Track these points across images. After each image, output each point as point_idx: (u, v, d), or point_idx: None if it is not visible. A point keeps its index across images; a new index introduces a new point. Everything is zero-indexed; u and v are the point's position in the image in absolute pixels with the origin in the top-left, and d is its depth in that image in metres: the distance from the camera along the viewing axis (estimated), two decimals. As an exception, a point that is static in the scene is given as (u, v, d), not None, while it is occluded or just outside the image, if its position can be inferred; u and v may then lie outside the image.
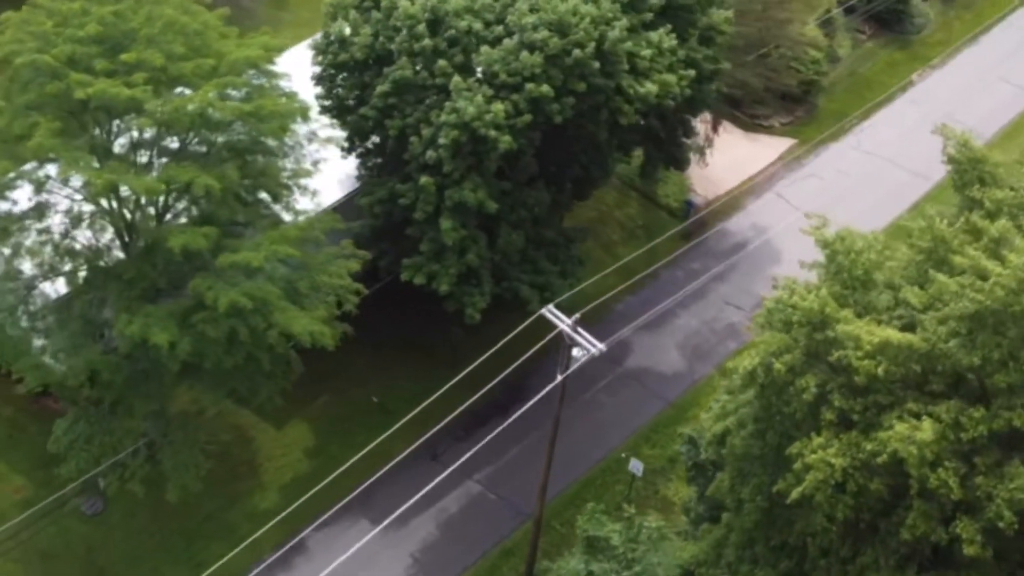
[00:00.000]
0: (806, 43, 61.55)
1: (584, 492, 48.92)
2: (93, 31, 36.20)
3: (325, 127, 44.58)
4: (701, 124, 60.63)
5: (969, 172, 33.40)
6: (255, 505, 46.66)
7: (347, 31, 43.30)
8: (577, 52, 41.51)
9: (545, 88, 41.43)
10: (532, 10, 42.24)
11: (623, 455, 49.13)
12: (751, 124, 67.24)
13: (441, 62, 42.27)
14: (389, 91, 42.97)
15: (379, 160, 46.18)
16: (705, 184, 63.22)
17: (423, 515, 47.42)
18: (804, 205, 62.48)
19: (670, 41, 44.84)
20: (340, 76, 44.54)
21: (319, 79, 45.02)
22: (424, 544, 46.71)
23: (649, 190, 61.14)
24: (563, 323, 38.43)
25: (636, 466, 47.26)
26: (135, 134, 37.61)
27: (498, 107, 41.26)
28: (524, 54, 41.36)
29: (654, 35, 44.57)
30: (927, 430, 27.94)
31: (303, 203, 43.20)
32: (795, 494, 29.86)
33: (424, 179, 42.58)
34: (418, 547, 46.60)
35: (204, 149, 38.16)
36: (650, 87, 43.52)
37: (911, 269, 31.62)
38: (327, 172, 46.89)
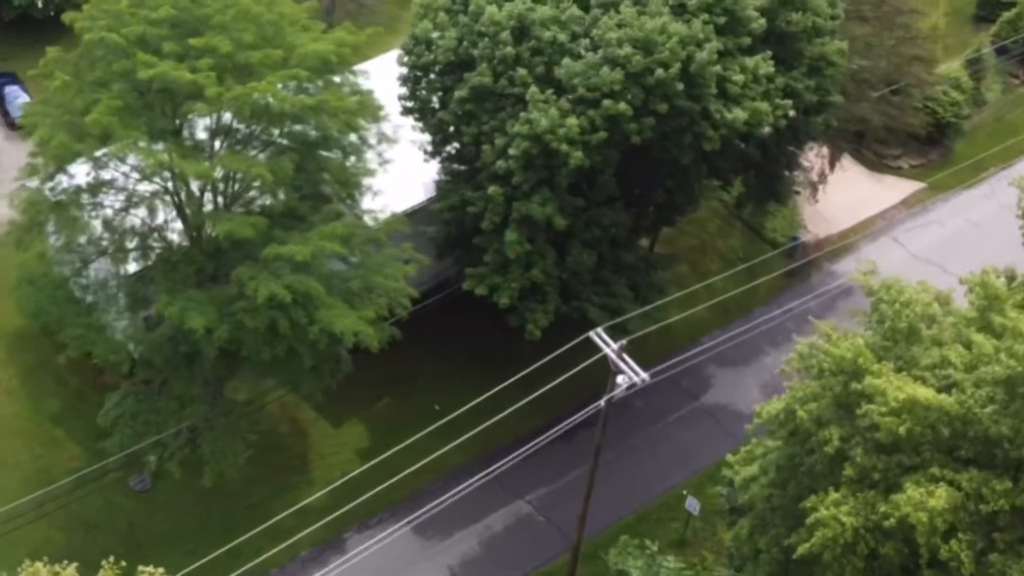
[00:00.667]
0: (936, 82, 59.01)
1: (639, 526, 47.74)
2: (166, 13, 36.77)
3: (406, 128, 44.69)
4: (816, 158, 58.92)
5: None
6: (300, 499, 46.62)
7: (433, 33, 43.10)
8: (660, 72, 40.53)
9: (623, 106, 40.55)
10: (619, 25, 41.42)
11: (684, 492, 47.76)
12: (878, 164, 64.92)
13: (521, 71, 41.78)
14: (467, 97, 42.67)
15: (460, 166, 45.89)
16: (818, 221, 61.28)
17: (467, 529, 47.01)
18: (922, 253, 60.21)
19: (767, 68, 43.45)
20: (424, 78, 44.37)
21: (404, 80, 44.99)
22: (463, 559, 46.24)
23: (755, 222, 59.53)
24: (608, 348, 37.54)
25: (692, 504, 45.88)
26: (207, 120, 38.11)
27: (572, 121, 40.56)
28: (604, 69, 40.57)
29: (750, 60, 43.24)
30: (941, 497, 26.26)
31: (370, 203, 43.36)
32: (802, 549, 28.44)
33: (493, 189, 42.16)
34: (457, 560, 46.15)
35: (271, 139, 38.41)
36: (739, 113, 42.23)
37: (960, 327, 29.79)
38: (411, 175, 47.00)
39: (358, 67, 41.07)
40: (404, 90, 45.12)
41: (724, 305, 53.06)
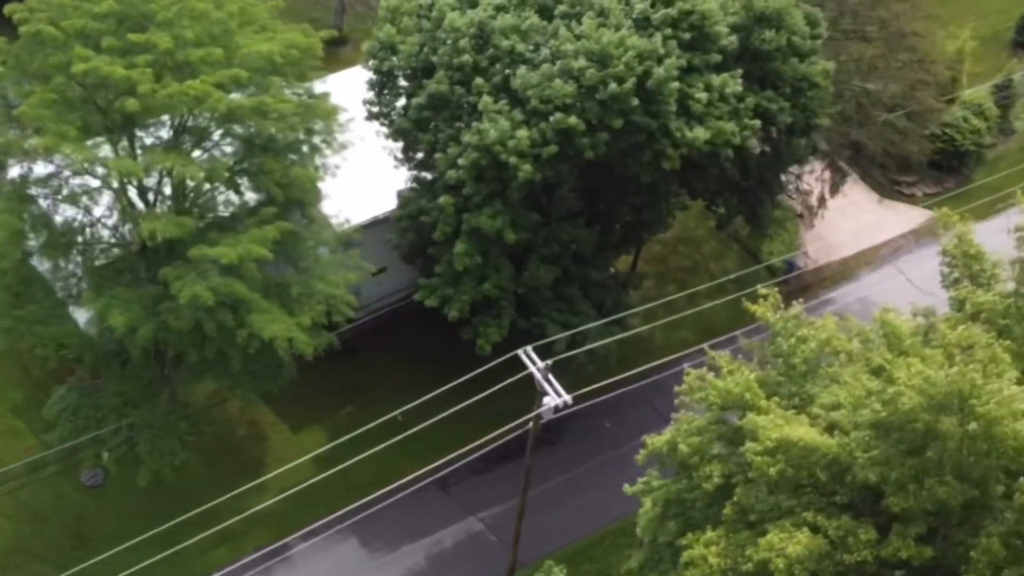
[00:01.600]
0: (942, 108, 57.45)
1: (591, 550, 47.07)
2: (108, 8, 36.94)
3: (377, 134, 44.64)
4: (817, 182, 57.74)
5: (960, 268, 30.16)
6: (250, 503, 46.57)
7: (397, 38, 42.87)
8: (614, 86, 39.83)
9: (573, 120, 39.94)
10: (577, 37, 40.80)
11: (640, 517, 46.85)
12: (891, 190, 63.43)
13: (478, 80, 41.35)
14: (424, 104, 42.39)
15: (425, 175, 45.62)
16: (819, 246, 60.00)
17: (415, 543, 46.65)
18: (926, 285, 58.37)
19: (735, 86, 42.52)
20: (388, 83, 44.16)
21: (370, 84, 44.81)
22: (408, 572, 45.81)
23: (752, 245, 58.39)
24: (535, 367, 36.97)
25: (646, 531, 44.97)
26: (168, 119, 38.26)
27: (523, 134, 40.05)
28: (557, 82, 39.99)
29: (717, 78, 42.35)
30: (800, 544, 25.28)
31: (335, 208, 43.31)
32: (669, 590, 27.67)
33: (444, 199, 41.81)
34: (401, 573, 45.72)
35: (211, 140, 38.45)
36: (700, 132, 41.38)
37: (859, 365, 28.76)
38: (386, 181, 46.81)
39: (351, 71, 40.98)
40: (371, 94, 44.90)
41: (708, 327, 52.10)
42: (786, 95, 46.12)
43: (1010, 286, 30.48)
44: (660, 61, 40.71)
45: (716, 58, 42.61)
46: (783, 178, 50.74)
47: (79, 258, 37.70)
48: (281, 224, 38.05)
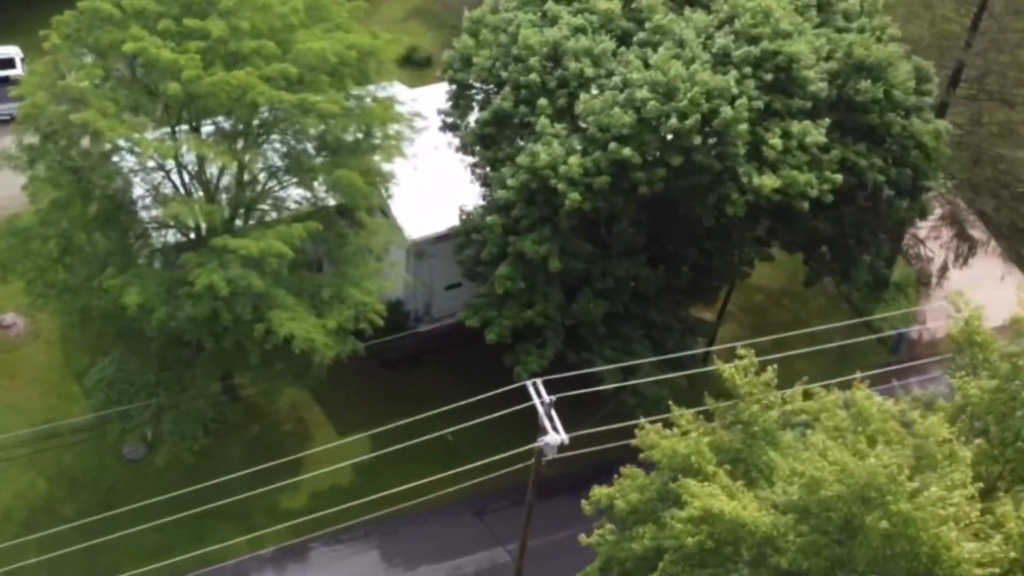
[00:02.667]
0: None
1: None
2: (172, -11, 37.56)
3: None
4: (941, 249, 54.62)
5: (964, 355, 27.71)
6: (280, 501, 46.84)
7: (472, 49, 42.35)
8: (675, 121, 38.30)
9: (628, 152, 38.57)
10: (648, 66, 39.43)
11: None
12: (1036, 266, 59.32)
13: (542, 101, 40.42)
14: (488, 120, 41.76)
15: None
16: (940, 317, 56.42)
17: (436, 566, 45.91)
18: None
19: (817, 135, 40.32)
20: (463, 95, 43.69)
21: (448, 95, 44.42)
22: (420, 592, 45.15)
23: (865, 307, 55.51)
24: (539, 400, 35.82)
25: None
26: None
27: (575, 160, 38.92)
28: (616, 110, 38.70)
29: (797, 125, 40.28)
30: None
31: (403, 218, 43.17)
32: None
33: (492, 218, 41.00)
34: (415, 597, 45.11)
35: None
36: (767, 180, 39.39)
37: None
38: (465, 194, 46.31)
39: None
40: (448, 106, 44.50)
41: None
42: (891, 152, 43.62)
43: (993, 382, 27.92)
44: (732, 101, 38.89)
45: (805, 104, 40.48)
46: (893, 239, 47.92)
47: (114, 234, 38.34)
48: (309, 224, 37.93)
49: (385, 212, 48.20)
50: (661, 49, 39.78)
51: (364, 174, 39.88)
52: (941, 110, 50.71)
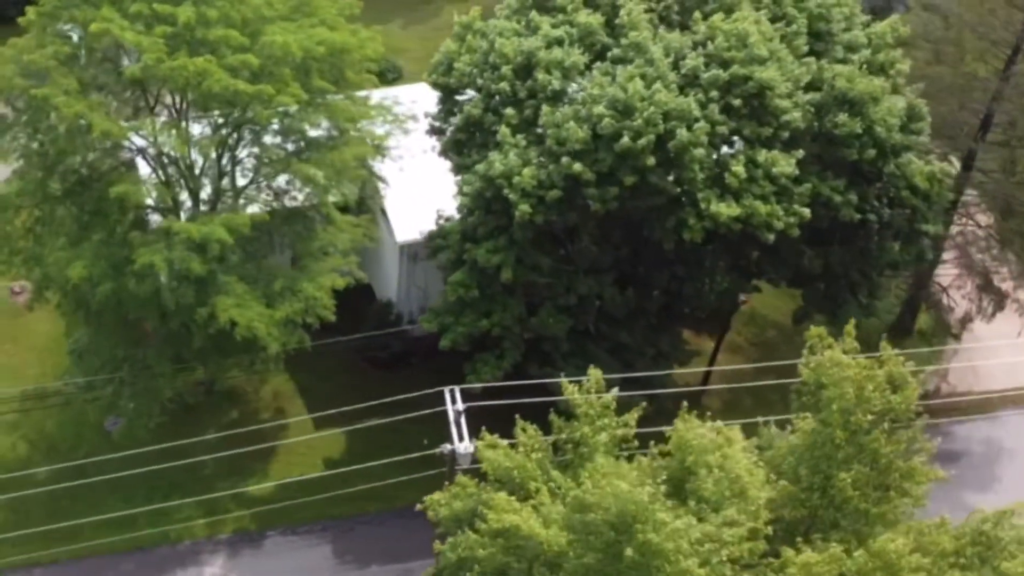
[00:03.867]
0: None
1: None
2: (150, -27, 39.02)
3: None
4: (963, 299, 52.96)
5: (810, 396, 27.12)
6: (247, 486, 47.95)
7: (454, 54, 42.95)
8: (626, 140, 38.27)
9: (579, 167, 38.66)
10: (612, 82, 39.46)
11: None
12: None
13: (509, 110, 40.80)
14: (460, 126, 42.26)
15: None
16: (963, 374, 54.78)
17: (385, 566, 46.44)
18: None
19: (786, 167, 39.75)
20: (446, 100, 44.32)
21: (438, 99, 45.10)
22: (362, 591, 45.77)
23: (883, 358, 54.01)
24: (451, 407, 36.21)
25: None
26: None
27: (528, 172, 39.18)
28: (571, 124, 38.84)
29: (765, 154, 39.77)
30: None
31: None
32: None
33: (450, 224, 41.50)
34: (354, 591, 45.75)
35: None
36: (724, 208, 38.99)
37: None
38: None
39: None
40: (435, 108, 45.18)
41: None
42: (878, 191, 42.76)
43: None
44: (691, 124, 38.64)
45: (770, 132, 39.96)
46: (917, 285, 46.81)
47: (74, 209, 40.02)
48: (256, 215, 38.97)
49: (384, 213, 49.18)
50: (630, 66, 39.71)
51: (336, 169, 40.75)
52: (969, 156, 49.36)
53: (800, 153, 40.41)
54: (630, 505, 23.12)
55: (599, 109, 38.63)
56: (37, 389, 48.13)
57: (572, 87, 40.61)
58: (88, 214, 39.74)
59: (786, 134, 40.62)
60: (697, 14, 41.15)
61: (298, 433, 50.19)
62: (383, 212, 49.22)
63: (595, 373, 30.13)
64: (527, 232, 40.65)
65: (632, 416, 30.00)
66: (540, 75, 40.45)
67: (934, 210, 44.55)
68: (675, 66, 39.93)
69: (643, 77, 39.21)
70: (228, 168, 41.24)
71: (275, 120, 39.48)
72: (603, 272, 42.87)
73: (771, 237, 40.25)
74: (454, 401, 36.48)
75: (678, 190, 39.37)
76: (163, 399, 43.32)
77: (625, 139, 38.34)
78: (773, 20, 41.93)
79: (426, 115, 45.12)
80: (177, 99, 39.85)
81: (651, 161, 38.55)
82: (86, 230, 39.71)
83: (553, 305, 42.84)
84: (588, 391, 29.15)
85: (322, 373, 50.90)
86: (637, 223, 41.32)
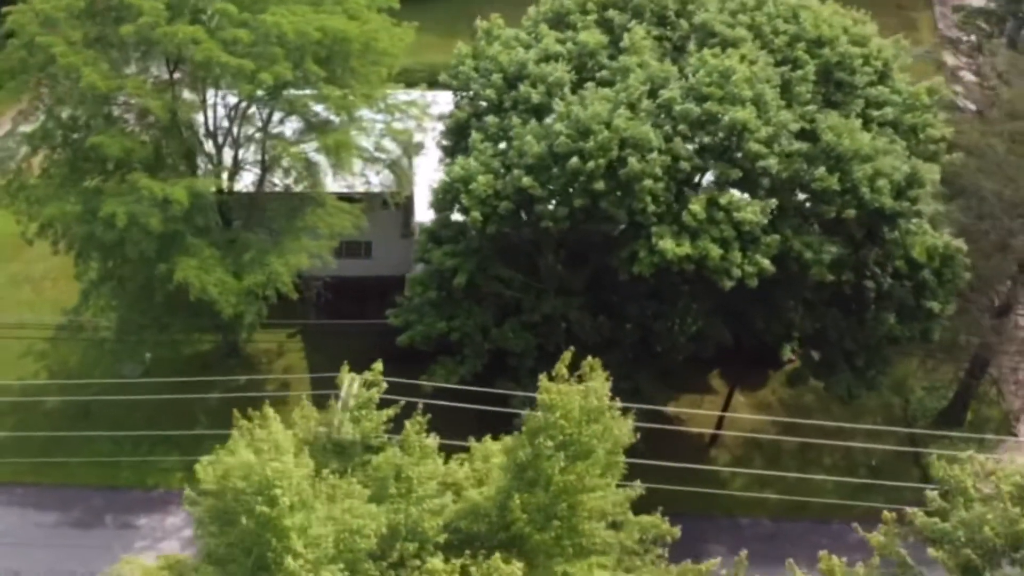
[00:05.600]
0: None
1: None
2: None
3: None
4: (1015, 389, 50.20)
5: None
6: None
7: (464, 58, 43.99)
8: (575, 161, 38.45)
9: (527, 181, 39.07)
10: (582, 103, 39.68)
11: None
12: None
13: (490, 117, 41.55)
14: (450, 128, 43.27)
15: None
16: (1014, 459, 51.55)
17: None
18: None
19: (751, 215, 38.92)
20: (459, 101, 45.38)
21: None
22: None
23: (921, 439, 51.72)
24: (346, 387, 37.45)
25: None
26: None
27: (483, 180, 39.84)
28: (529, 139, 39.31)
29: (728, 197, 39.09)
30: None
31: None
32: None
33: (421, 225, 42.56)
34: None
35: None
36: (670, 245, 38.53)
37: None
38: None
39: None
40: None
41: (800, 504, 47.98)
42: (882, 260, 41.39)
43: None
44: (644, 154, 38.39)
45: (737, 174, 39.25)
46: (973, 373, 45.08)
47: (68, 153, 43.27)
48: (217, 181, 41.25)
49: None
50: (606, 89, 39.78)
51: (332, 151, 42.67)
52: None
53: (773, 202, 39.41)
54: (254, 478, 24.90)
55: (558, 127, 38.87)
56: (72, 323, 51.47)
57: (556, 103, 40.83)
58: (80, 160, 42.72)
59: (766, 180, 39.70)
60: (692, 46, 40.71)
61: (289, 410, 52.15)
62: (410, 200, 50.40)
63: (374, 373, 31.37)
64: (486, 241, 41.20)
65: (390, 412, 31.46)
66: (523, 87, 40.95)
67: (946, 288, 42.44)
68: (652, 95, 39.64)
69: (611, 100, 39.15)
70: (223, 139, 43.47)
71: (263, 97, 41.44)
72: (573, 295, 42.91)
73: (728, 284, 39.39)
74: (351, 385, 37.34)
75: (627, 220, 39.07)
76: (148, 346, 45.80)
77: (575, 160, 38.43)
78: (781, 63, 40.98)
79: (439, 117, 46.21)
80: (172, 64, 42.31)
81: (600, 185, 38.49)
82: (76, 175, 42.71)
83: (519, 320, 43.18)
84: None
85: (333, 353, 52.56)
86: (597, 248, 41.23)
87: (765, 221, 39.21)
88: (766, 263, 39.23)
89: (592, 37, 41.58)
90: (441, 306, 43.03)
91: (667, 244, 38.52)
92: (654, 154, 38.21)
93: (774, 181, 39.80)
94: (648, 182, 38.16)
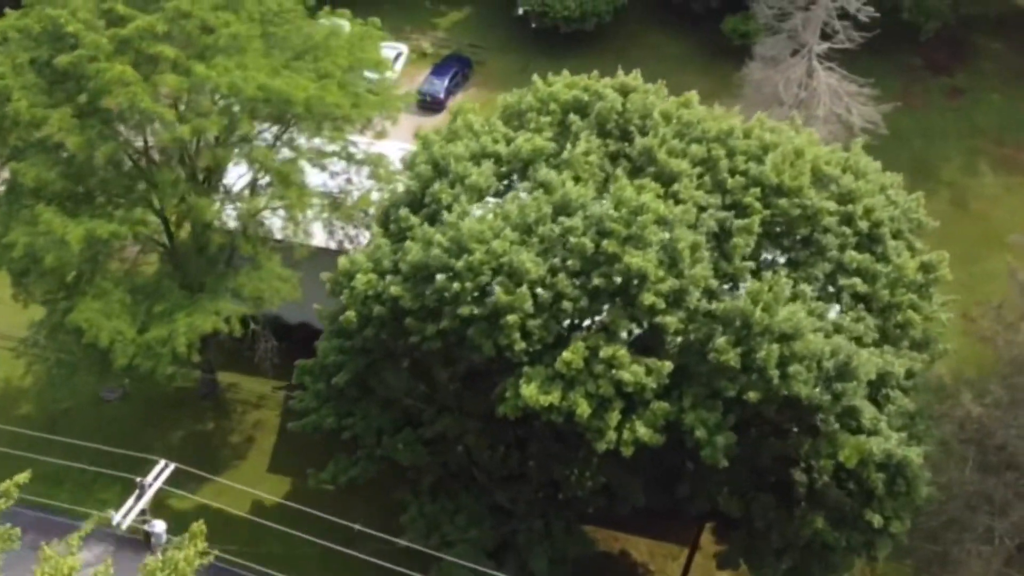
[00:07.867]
0: None
1: None
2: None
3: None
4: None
5: None
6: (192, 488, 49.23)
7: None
8: (441, 279, 35.42)
9: (395, 289, 36.29)
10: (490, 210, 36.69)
11: None
12: None
13: (403, 211, 38.93)
14: (378, 216, 41.05)
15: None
16: None
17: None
18: None
19: (635, 375, 34.67)
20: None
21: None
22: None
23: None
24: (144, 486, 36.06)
25: None
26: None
27: (362, 279, 37.29)
28: (409, 244, 36.48)
29: (613, 351, 34.96)
30: None
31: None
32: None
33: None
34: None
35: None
36: (532, 391, 34.76)
37: None
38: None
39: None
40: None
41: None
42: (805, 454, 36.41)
43: None
44: (518, 284, 34.80)
45: (626, 326, 35.08)
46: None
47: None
48: (140, 213, 41.01)
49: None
50: (507, 205, 36.40)
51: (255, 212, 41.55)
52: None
53: (669, 365, 34.89)
54: None
55: (438, 237, 35.71)
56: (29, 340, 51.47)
57: (454, 208, 37.42)
58: (16, 185, 42.83)
59: (679, 339, 35.31)
60: (619, 171, 36.65)
61: (251, 467, 50.73)
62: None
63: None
64: (372, 343, 38.54)
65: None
66: (439, 185, 37.97)
67: (897, 501, 36.61)
68: (555, 219, 35.84)
69: (506, 219, 35.69)
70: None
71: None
72: (470, 417, 39.62)
73: (602, 446, 35.24)
74: (157, 477, 35.81)
75: (493, 353, 35.51)
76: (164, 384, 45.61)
77: (442, 278, 35.24)
78: (729, 208, 36.32)
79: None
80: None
81: (467, 311, 35.13)
82: (13, 196, 42.82)
83: (414, 433, 40.34)
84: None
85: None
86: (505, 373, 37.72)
87: (654, 384, 34.72)
88: (643, 432, 34.78)
89: (530, 143, 37.96)
90: (336, 400, 40.62)
91: (530, 390, 34.71)
92: (523, 287, 34.40)
93: (685, 341, 35.26)
94: (513, 317, 34.42)
